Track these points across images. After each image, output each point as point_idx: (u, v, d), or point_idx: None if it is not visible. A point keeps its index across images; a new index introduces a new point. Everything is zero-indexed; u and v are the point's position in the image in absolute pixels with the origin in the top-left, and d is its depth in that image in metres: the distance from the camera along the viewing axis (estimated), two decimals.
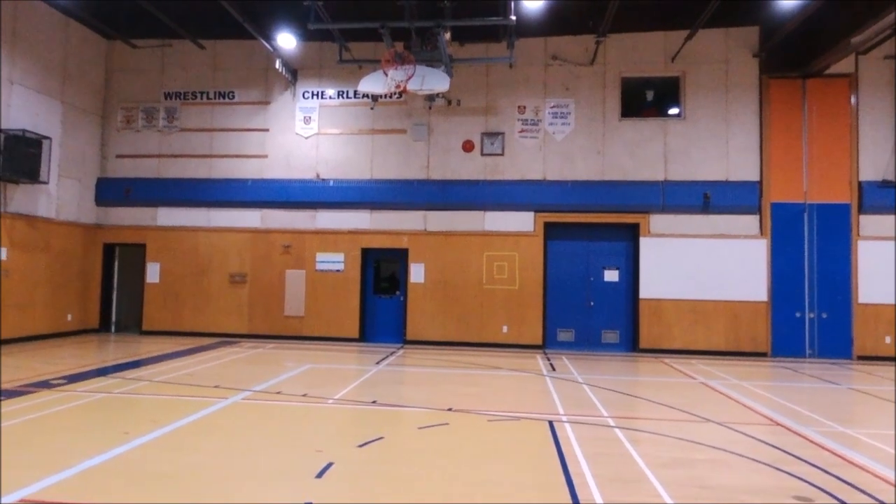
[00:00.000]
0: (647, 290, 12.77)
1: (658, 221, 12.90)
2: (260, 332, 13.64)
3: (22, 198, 11.95)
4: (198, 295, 13.86)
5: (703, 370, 10.56)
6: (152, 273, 13.99)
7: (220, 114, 14.16)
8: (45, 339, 12.42)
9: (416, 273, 13.37)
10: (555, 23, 12.69)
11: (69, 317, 13.31)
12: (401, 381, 9.16)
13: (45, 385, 7.77)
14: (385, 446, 5.43)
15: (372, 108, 13.11)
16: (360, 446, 5.35)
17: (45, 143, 12.11)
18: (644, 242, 12.87)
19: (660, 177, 12.95)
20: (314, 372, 9.47)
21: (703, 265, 12.62)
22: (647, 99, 13.58)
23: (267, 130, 14.04)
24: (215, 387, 7.94)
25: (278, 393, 7.68)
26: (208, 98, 14.20)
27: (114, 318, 14.47)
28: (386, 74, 9.80)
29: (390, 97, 11.40)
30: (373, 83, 10.23)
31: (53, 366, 9.32)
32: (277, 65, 13.19)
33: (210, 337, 13.53)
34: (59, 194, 12.97)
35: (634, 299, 12.99)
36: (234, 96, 14.17)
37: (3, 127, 11.31)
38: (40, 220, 12.44)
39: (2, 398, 5.61)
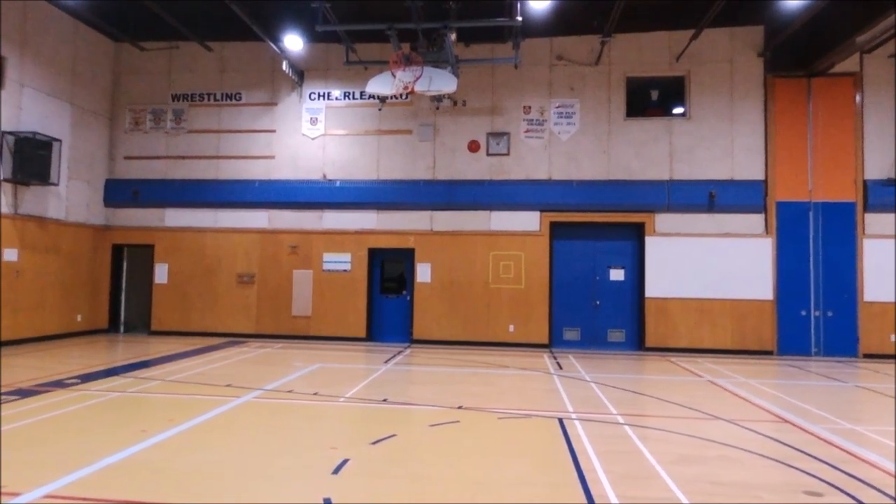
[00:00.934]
0: (652, 289, 12.82)
1: (663, 221, 12.95)
2: (268, 331, 13.74)
3: (32, 199, 12.06)
4: (206, 295, 13.96)
5: (709, 368, 10.61)
6: (160, 274, 14.10)
7: (228, 115, 14.26)
8: (56, 340, 12.53)
9: (423, 273, 13.45)
10: (560, 23, 12.76)
11: (79, 317, 13.42)
12: (410, 380, 9.24)
13: (60, 384, 7.87)
14: (398, 443, 5.50)
15: (380, 110, 13.19)
16: (374, 443, 5.43)
17: (55, 144, 12.23)
18: (649, 241, 12.92)
19: (665, 176, 13.00)
20: (323, 371, 9.55)
21: (709, 264, 12.67)
22: (652, 99, 13.64)
23: (274, 131, 14.13)
24: (227, 386, 8.03)
25: (290, 392, 7.77)
26: (215, 99, 14.29)
27: (123, 319, 14.59)
28: (394, 76, 9.87)
29: (398, 98, 11.50)
30: (381, 84, 10.30)
31: (66, 365, 9.42)
32: (284, 66, 13.28)
33: (218, 337, 13.63)
34: (69, 196, 13.08)
35: (640, 298, 13.05)
36: (241, 98, 14.26)
37: (14, 129, 11.42)
38: (50, 221, 12.56)
39: (1, 400, 5.63)
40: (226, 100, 14.28)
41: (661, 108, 13.52)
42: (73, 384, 7.93)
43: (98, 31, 13.73)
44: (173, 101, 14.37)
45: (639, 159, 13.10)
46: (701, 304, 12.67)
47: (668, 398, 7.87)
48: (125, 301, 14.66)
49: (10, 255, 11.49)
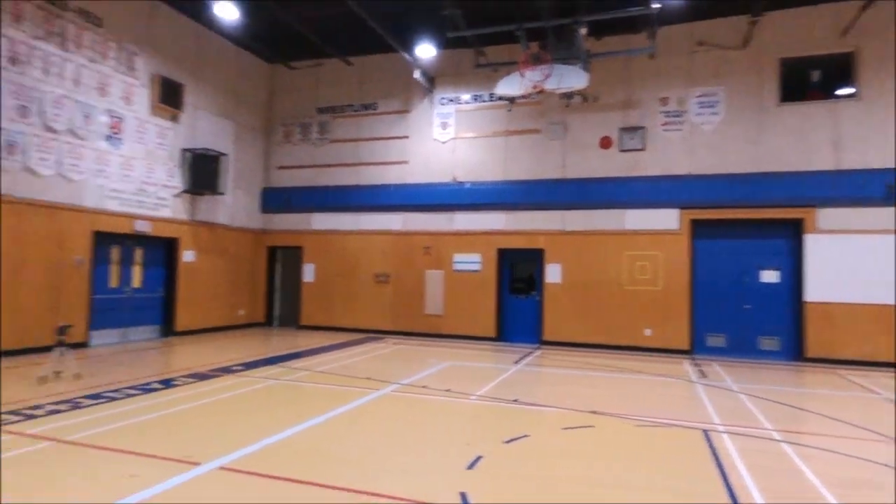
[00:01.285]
0: (814, 292, 11.47)
1: (827, 216, 11.53)
2: (402, 328, 14.39)
3: (205, 208, 13.77)
4: (347, 293, 14.97)
5: (888, 384, 9.25)
6: (308, 273, 15.38)
7: (365, 124, 15.17)
8: (222, 331, 14.18)
9: (553, 273, 13.26)
10: (700, 6, 11.86)
11: (241, 311, 15.07)
12: (540, 381, 9.16)
13: (227, 370, 8.90)
14: (531, 444, 5.48)
15: (509, 111, 13.23)
16: (507, 442, 5.46)
17: (222, 159, 13.84)
18: (810, 239, 11.58)
19: (828, 166, 11.57)
20: (455, 369, 9.79)
21: (887, 264, 11.04)
22: (811, 80, 12.19)
23: (407, 138, 14.77)
24: (367, 378, 8.54)
25: (424, 387, 8.07)
26: (354, 110, 15.28)
27: (276, 313, 16.12)
28: (522, 76, 9.86)
29: (527, 98, 11.47)
30: (509, 85, 10.35)
31: (232, 354, 10.63)
32: (416, 74, 13.83)
33: (358, 333, 14.53)
34: (233, 203, 14.74)
35: (798, 302, 11.73)
36: (377, 107, 15.10)
37: (190, 146, 13.11)
38: (219, 226, 14.25)
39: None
40: (364, 110, 15.20)
41: (823, 91, 12.05)
42: (238, 371, 8.93)
43: (255, 55, 15.33)
44: (318, 114, 15.59)
45: (796, 148, 11.79)
46: (878, 311, 11.07)
47: (834, 415, 7.00)
48: (279, 298, 16.19)
49: (189, 256, 13.24)
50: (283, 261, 16.22)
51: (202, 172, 13.16)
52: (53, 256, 10.18)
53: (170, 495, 4.02)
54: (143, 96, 11.96)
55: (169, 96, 12.46)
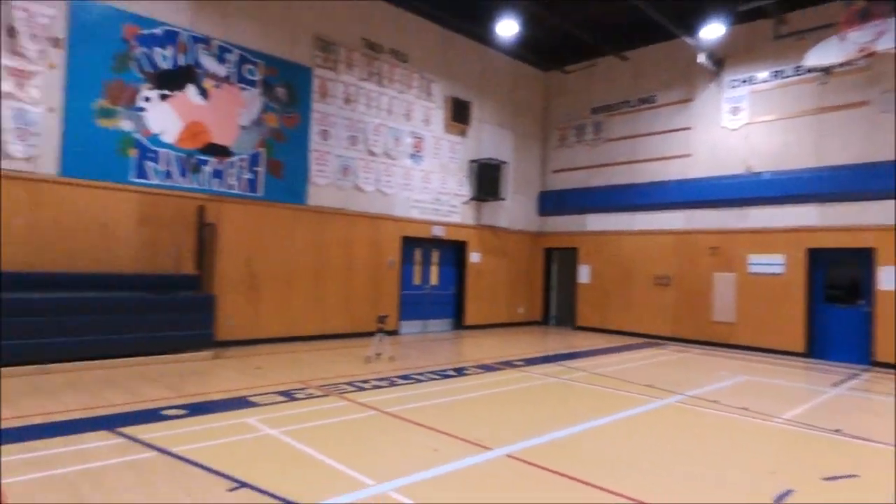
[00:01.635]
0: None
1: None
2: (684, 335, 13.30)
3: (488, 212, 14.95)
4: (623, 295, 14.52)
5: None
6: (583, 274, 15.40)
7: (642, 120, 14.49)
8: (504, 327, 15.19)
9: (889, 279, 10.64)
10: None
11: (520, 310, 15.91)
12: (873, 412, 7.42)
13: (510, 364, 9.49)
14: (862, 487, 4.49)
15: (823, 84, 11.08)
16: (827, 480, 4.58)
17: (503, 167, 14.84)
18: None
19: None
20: (751, 385, 8.63)
21: None
22: None
23: (689, 129, 13.62)
24: (647, 386, 8.13)
25: (714, 402, 7.31)
26: (630, 106, 14.73)
27: (553, 313, 16.55)
28: (843, 39, 8.16)
29: (850, 65, 9.33)
30: (824, 53, 8.67)
31: (513, 349, 11.29)
32: (701, 59, 12.65)
33: (635, 336, 13.96)
34: (513, 208, 15.67)
35: None
36: (654, 100, 14.29)
37: (476, 157, 14.39)
38: (500, 230, 15.31)
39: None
40: (640, 105, 14.55)
41: None
42: (519, 365, 9.44)
43: (531, 65, 16.02)
44: (593, 114, 15.50)
45: None
46: None
47: None
48: (555, 298, 16.60)
49: (475, 257, 14.56)
50: (558, 262, 16.57)
51: (486, 180, 14.32)
52: (374, 258, 12.30)
53: (465, 473, 4.46)
54: (438, 117, 13.59)
55: (458, 114, 13.89)
